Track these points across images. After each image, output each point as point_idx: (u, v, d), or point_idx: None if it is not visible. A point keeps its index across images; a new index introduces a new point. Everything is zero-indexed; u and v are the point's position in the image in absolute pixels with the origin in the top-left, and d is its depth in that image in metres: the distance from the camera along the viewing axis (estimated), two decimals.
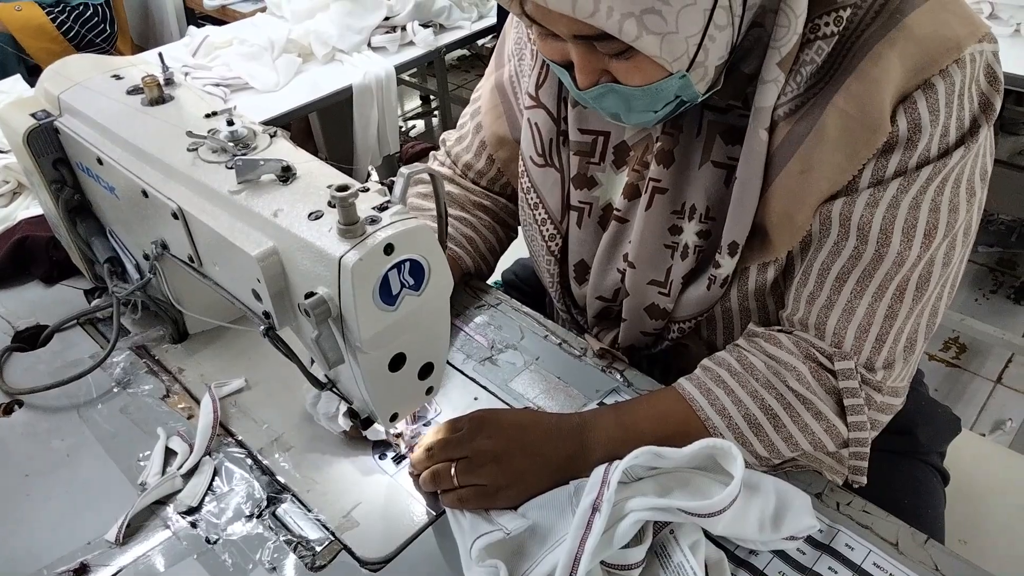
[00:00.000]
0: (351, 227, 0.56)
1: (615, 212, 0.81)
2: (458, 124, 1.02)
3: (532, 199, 0.87)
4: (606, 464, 0.65)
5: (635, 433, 0.70)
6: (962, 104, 0.64)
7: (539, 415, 0.75)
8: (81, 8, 2.19)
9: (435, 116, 3.45)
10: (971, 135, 0.65)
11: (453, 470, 0.67)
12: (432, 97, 3.46)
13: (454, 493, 0.67)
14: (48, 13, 2.15)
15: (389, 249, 0.57)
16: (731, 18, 0.61)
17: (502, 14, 2.22)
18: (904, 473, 0.90)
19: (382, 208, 0.59)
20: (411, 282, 0.59)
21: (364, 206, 0.58)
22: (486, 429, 0.69)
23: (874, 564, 0.64)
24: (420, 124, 3.46)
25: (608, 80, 0.65)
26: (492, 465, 0.67)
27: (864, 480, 0.71)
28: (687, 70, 0.62)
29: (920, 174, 0.65)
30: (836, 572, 0.63)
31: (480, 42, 2.52)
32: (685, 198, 0.75)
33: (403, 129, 3.30)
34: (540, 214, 0.87)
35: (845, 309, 0.70)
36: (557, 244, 0.87)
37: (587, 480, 0.65)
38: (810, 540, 0.66)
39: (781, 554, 0.65)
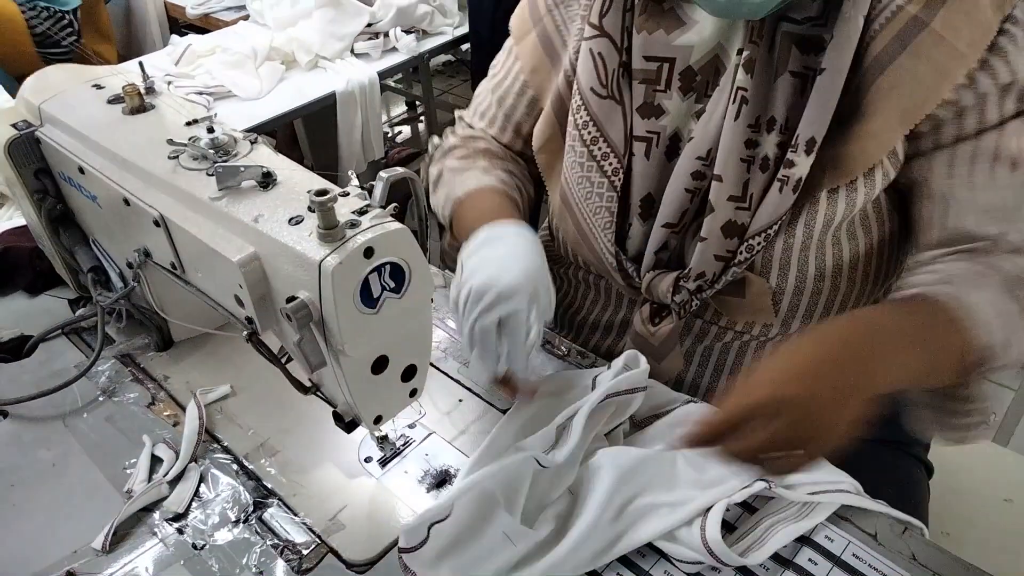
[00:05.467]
0: (331, 231, 0.57)
1: (690, 134, 0.80)
2: (475, 101, 1.01)
3: (589, 134, 0.83)
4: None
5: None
6: None
7: (817, 383, 0.63)
8: (52, 10, 2.18)
9: (421, 121, 3.46)
10: None
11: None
12: (418, 102, 3.47)
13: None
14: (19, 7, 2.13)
15: (369, 252, 0.57)
16: None
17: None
18: (887, 464, 0.91)
19: (362, 212, 0.59)
20: (392, 285, 0.60)
21: (344, 210, 0.59)
22: (800, 427, 0.61)
23: (853, 555, 0.65)
24: (406, 130, 3.47)
25: None
26: (814, 445, 0.62)
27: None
28: None
29: None
30: (816, 564, 0.64)
31: (463, 47, 2.52)
32: (763, 111, 0.75)
33: (389, 135, 3.30)
34: (600, 148, 0.83)
35: None
36: (620, 179, 0.83)
37: None
38: None
39: None
